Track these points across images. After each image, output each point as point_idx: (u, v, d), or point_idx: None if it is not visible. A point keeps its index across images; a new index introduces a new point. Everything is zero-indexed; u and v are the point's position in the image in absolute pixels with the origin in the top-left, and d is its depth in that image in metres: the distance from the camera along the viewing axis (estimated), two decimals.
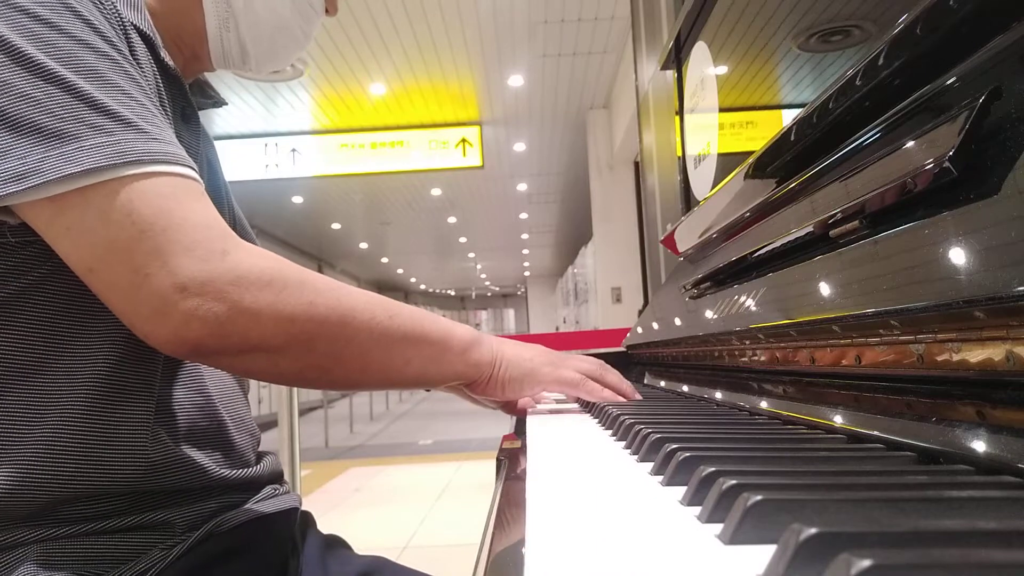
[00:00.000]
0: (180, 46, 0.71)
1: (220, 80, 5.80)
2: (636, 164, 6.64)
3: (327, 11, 0.77)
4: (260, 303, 0.55)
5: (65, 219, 0.52)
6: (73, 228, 0.52)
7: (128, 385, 0.58)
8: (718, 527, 0.28)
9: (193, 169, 0.57)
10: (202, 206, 0.56)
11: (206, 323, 0.53)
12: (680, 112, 1.31)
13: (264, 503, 0.69)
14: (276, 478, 0.75)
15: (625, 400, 0.78)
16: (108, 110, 0.52)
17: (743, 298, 0.72)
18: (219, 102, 0.80)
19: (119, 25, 0.58)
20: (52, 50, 0.51)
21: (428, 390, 0.82)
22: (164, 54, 0.64)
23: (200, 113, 0.73)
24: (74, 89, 0.51)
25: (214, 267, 0.53)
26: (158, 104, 0.59)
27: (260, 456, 0.74)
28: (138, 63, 0.59)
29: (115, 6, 0.59)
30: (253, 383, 0.77)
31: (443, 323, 0.69)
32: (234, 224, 0.77)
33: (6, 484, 0.53)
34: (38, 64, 0.51)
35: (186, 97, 0.68)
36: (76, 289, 0.56)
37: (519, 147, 8.45)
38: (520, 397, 0.77)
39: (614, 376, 0.81)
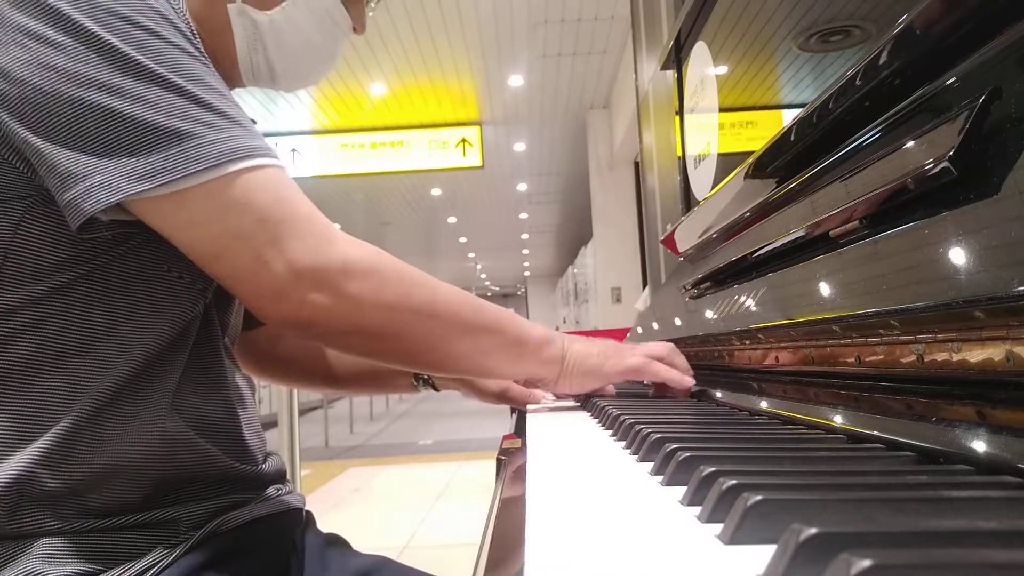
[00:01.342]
0: (215, 66, 0.72)
1: None
2: (636, 164, 6.65)
3: (355, 30, 0.78)
4: (364, 291, 0.60)
5: (187, 212, 0.55)
6: (197, 220, 0.55)
7: (152, 378, 0.60)
8: (718, 527, 0.28)
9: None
10: (304, 198, 0.60)
11: (317, 307, 0.58)
12: (680, 112, 1.31)
13: (267, 502, 0.70)
14: (280, 478, 0.75)
15: (687, 387, 0.80)
16: (215, 108, 0.56)
17: (743, 298, 0.72)
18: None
19: (191, 31, 0.61)
20: (156, 55, 0.54)
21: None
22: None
23: None
24: (182, 90, 0.55)
25: (326, 256, 0.58)
26: None
27: (266, 456, 0.75)
28: None
29: (185, 14, 0.62)
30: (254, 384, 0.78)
31: (521, 322, 0.74)
32: None
33: (22, 471, 0.54)
34: (150, 70, 0.54)
35: None
36: (114, 285, 0.58)
37: (519, 147, 8.46)
38: (586, 391, 0.80)
39: (681, 360, 0.83)
